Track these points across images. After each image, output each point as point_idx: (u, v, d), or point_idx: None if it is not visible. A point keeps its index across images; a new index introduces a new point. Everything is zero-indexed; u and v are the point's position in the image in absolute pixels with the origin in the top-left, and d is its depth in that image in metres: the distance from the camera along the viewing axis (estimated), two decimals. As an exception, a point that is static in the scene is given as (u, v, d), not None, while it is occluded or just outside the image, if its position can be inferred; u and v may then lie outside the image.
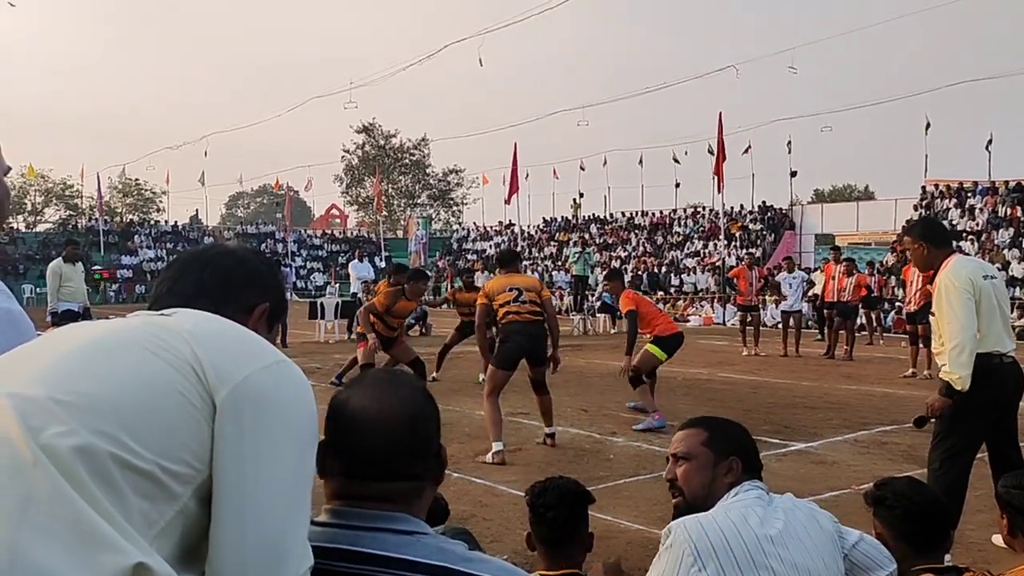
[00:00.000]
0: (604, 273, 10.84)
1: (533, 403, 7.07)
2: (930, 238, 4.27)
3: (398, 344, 8.94)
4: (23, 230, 47.00)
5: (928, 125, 31.75)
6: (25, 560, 1.02)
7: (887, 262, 26.26)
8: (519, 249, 34.92)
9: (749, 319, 14.89)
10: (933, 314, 4.28)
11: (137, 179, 59.64)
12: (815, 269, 19.94)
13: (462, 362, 12.20)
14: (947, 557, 2.50)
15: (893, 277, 24.71)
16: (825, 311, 15.04)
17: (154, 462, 1.13)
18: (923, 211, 26.97)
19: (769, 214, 33.64)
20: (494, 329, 7.27)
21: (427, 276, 9.39)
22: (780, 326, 15.32)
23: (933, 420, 4.22)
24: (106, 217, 44.96)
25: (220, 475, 1.17)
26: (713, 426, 2.22)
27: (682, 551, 1.90)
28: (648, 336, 8.52)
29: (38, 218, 57.03)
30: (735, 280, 15.47)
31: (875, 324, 18.11)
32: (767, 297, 16.01)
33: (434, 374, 10.91)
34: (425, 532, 1.36)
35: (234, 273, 1.46)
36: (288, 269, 35.41)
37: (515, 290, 6.75)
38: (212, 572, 1.16)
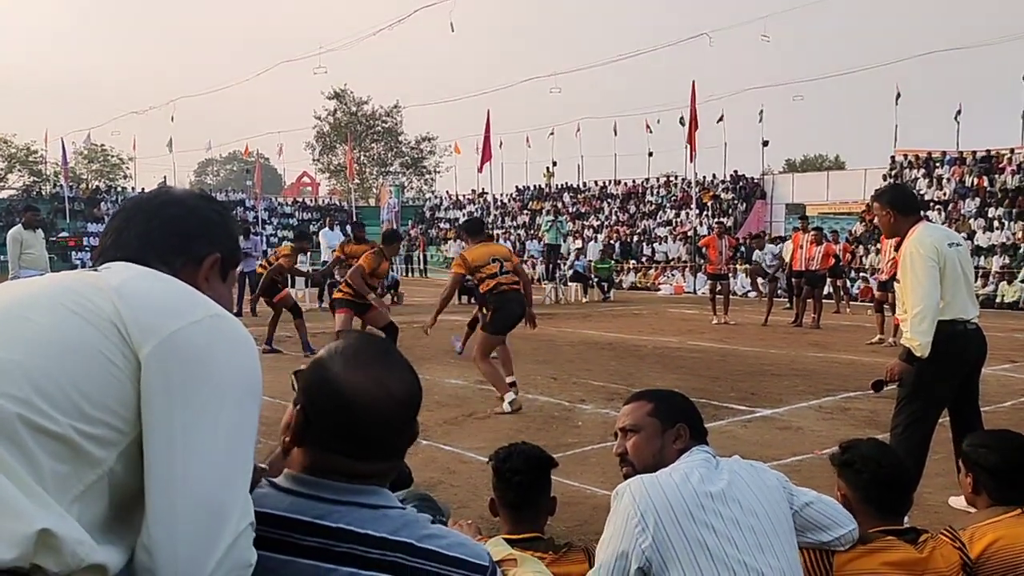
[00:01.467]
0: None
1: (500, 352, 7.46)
2: (898, 205, 4.29)
3: (372, 309, 8.94)
4: (-15, 197, 46.01)
5: (898, 95, 31.96)
6: None
7: (855, 231, 26.52)
8: (491, 218, 34.86)
9: (719, 288, 15.02)
10: (898, 281, 4.32)
11: (103, 145, 58.43)
12: (785, 238, 20.08)
13: (434, 331, 12.16)
14: (905, 519, 2.53)
15: (861, 246, 24.98)
16: (793, 280, 15.20)
17: (69, 425, 1.09)
18: (892, 181, 27.21)
19: (741, 183, 33.79)
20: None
21: (400, 236, 9.82)
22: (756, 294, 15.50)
23: (891, 385, 4.28)
24: (71, 184, 44.08)
25: (148, 436, 1.13)
26: (657, 397, 2.27)
27: (627, 512, 1.93)
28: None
29: (1, 184, 55.86)
30: (705, 249, 15.57)
31: (842, 293, 18.33)
32: (737, 266, 16.16)
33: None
34: (391, 505, 1.34)
35: (182, 223, 1.39)
36: (258, 237, 35.05)
37: (497, 261, 7.24)
38: (147, 534, 1.12)
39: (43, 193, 43.54)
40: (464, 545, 1.34)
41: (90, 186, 47.30)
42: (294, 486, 1.33)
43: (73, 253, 36.64)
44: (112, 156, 59.40)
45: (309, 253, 16.24)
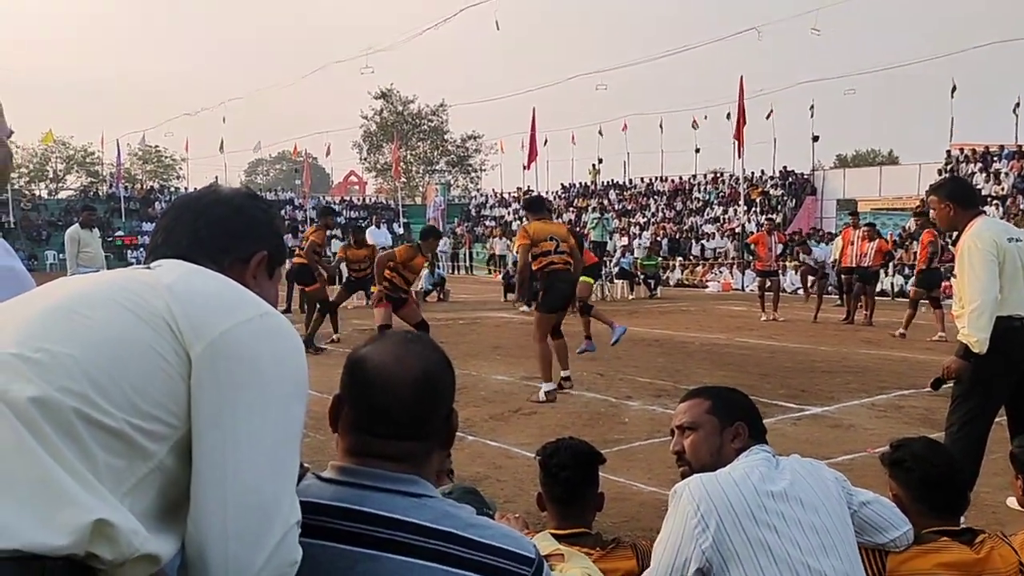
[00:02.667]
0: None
1: (553, 345, 7.42)
2: (957, 198, 4.19)
3: (407, 305, 9.00)
4: (45, 197, 47.26)
5: (954, 88, 31.14)
6: None
7: (909, 227, 25.95)
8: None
9: (768, 284, 14.82)
10: (955, 276, 4.22)
11: (157, 146, 59.70)
12: (836, 235, 19.73)
13: (480, 327, 12.22)
14: (961, 519, 2.48)
15: (915, 243, 24.43)
16: (843, 276, 14.92)
17: (124, 420, 1.11)
18: (947, 175, 26.57)
19: (790, 179, 33.26)
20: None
21: (439, 233, 9.94)
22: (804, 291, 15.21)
23: (949, 382, 4.18)
24: (126, 184, 45.13)
25: (198, 434, 1.15)
26: (715, 394, 2.22)
27: (686, 512, 1.90)
28: None
29: (60, 185, 57.37)
30: (754, 246, 15.35)
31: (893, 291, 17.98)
32: (786, 263, 15.92)
33: (335, 336, 11.08)
34: (432, 495, 1.34)
35: (229, 222, 1.41)
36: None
37: (554, 240, 7.32)
38: (194, 529, 1.14)
39: (99, 193, 44.61)
40: (510, 536, 1.33)
41: (144, 186, 48.37)
42: (336, 476, 1.35)
43: (128, 252, 37.50)
44: (166, 157, 60.70)
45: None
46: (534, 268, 7.38)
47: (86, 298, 1.20)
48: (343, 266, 11.79)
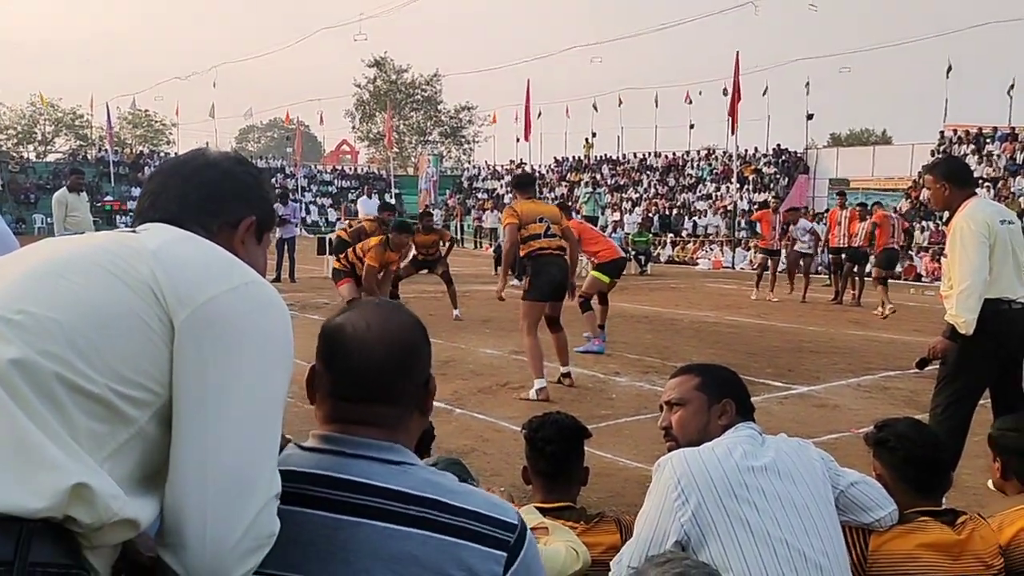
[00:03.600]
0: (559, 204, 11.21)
1: (545, 344, 6.90)
2: (952, 178, 4.18)
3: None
4: (33, 160, 46.84)
5: (949, 68, 31.09)
6: None
7: (901, 208, 26.01)
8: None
9: (768, 263, 14.77)
10: (945, 256, 4.22)
11: (147, 110, 59.26)
12: (826, 212, 19.75)
13: (470, 300, 12.21)
14: (943, 500, 2.49)
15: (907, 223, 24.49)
16: (832, 256, 14.92)
17: (105, 385, 1.10)
18: (940, 156, 26.59)
19: (783, 157, 33.26)
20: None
21: (410, 229, 9.47)
22: (787, 268, 15.11)
23: (934, 363, 4.20)
24: (116, 148, 44.74)
25: (180, 401, 1.14)
26: (704, 371, 2.23)
27: (667, 486, 1.91)
28: (591, 262, 9.22)
29: (48, 148, 56.84)
30: (758, 223, 15.23)
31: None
32: (786, 242, 15.85)
33: None
34: (413, 463, 1.33)
35: (218, 186, 1.39)
36: (297, 204, 35.41)
37: (544, 221, 6.72)
38: (171, 499, 1.14)
39: (88, 157, 44.23)
40: (492, 502, 1.33)
41: (134, 151, 47.97)
42: (316, 444, 1.35)
43: (117, 217, 37.25)
44: (156, 122, 60.21)
45: (347, 221, 16.37)
46: (522, 253, 6.81)
47: (71, 261, 1.18)
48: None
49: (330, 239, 17.87)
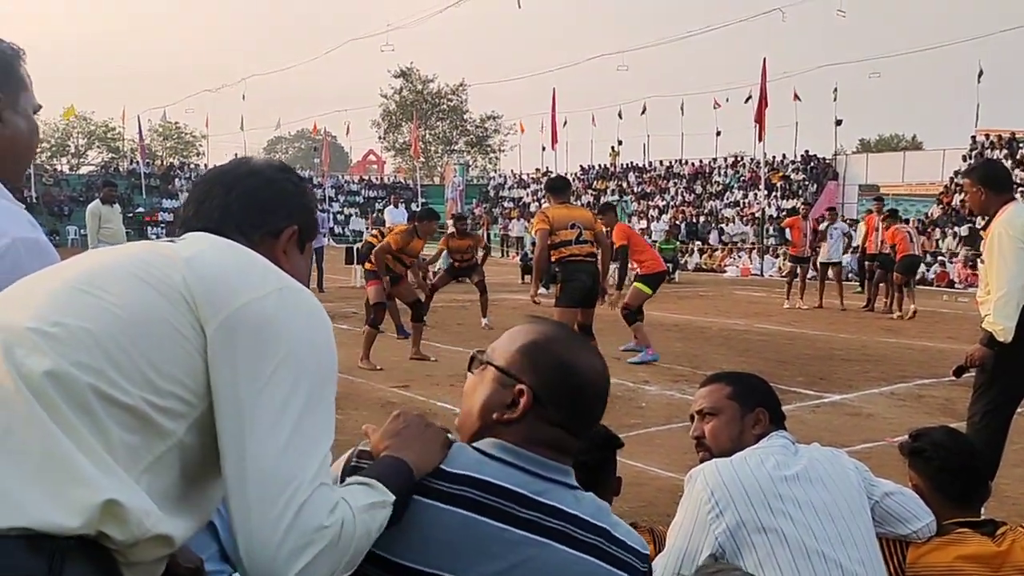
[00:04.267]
0: (600, 206, 11.08)
1: None
2: (990, 182, 4.11)
3: (401, 283, 8.85)
4: (67, 172, 47.64)
5: (981, 73, 30.73)
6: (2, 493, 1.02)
7: (932, 214, 25.69)
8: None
9: (798, 271, 14.58)
10: (983, 261, 4.16)
11: (177, 123, 60.11)
12: (857, 220, 19.55)
13: (497, 309, 12.22)
14: (982, 510, 2.45)
15: (938, 229, 24.19)
16: (866, 263, 14.73)
17: (139, 396, 1.10)
18: (972, 162, 26.22)
19: (812, 164, 32.99)
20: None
21: (437, 215, 9.35)
22: (817, 278, 14.91)
23: (972, 371, 4.13)
24: (147, 160, 45.38)
25: (218, 410, 1.14)
26: (736, 379, 2.20)
27: (700, 498, 1.89)
28: (634, 272, 9.00)
29: (81, 160, 57.79)
30: (788, 230, 15.05)
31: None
32: (818, 248, 15.65)
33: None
34: (577, 487, 1.38)
35: (261, 195, 1.39)
36: (325, 215, 35.72)
37: (576, 227, 6.71)
38: (225, 506, 1.15)
39: (120, 169, 44.91)
40: (635, 534, 1.39)
41: (165, 163, 48.64)
42: (505, 456, 1.34)
43: (149, 228, 37.77)
44: (186, 134, 61.01)
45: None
46: (553, 258, 6.82)
47: (105, 272, 1.18)
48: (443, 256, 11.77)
49: (357, 248, 18.03)
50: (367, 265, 9.12)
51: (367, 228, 28.68)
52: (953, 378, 4.35)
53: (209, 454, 1.16)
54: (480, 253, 11.67)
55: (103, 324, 1.12)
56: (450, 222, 14.03)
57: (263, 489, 1.11)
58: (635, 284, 8.78)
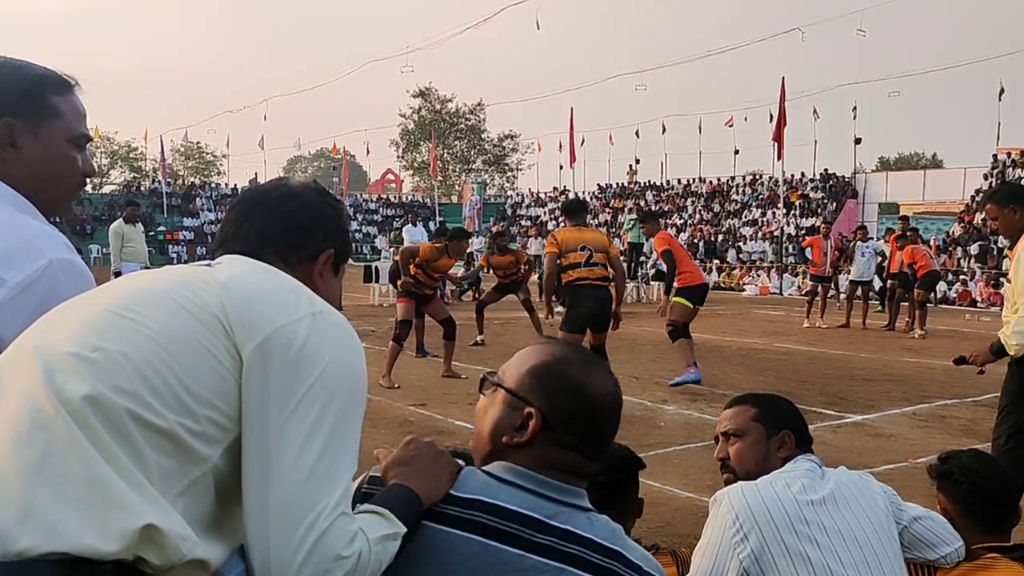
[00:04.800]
0: (641, 214, 10.89)
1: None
2: (1020, 199, 4.08)
3: (433, 302, 8.85)
4: (89, 191, 48.09)
5: (1002, 91, 30.52)
6: (39, 515, 1.02)
7: (953, 233, 25.49)
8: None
9: (819, 290, 14.46)
10: (1009, 280, 4.13)
11: (198, 142, 60.72)
12: (878, 239, 19.42)
13: (516, 327, 12.22)
14: (1011, 535, 2.41)
15: (959, 248, 23.99)
16: (888, 282, 14.61)
17: (176, 421, 1.11)
18: (994, 180, 26.01)
19: (831, 182, 32.85)
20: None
21: (468, 234, 9.22)
22: (846, 296, 14.77)
23: (970, 363, 4.17)
24: (169, 180, 45.88)
25: (247, 434, 1.14)
26: (761, 401, 2.18)
27: (725, 521, 1.87)
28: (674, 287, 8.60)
29: (104, 180, 58.48)
30: (809, 250, 14.93)
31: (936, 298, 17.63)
32: (841, 267, 15.52)
33: (479, 337, 10.92)
34: (591, 509, 1.36)
35: (299, 218, 1.40)
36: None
37: (587, 250, 6.55)
38: (245, 529, 1.14)
39: (142, 189, 45.43)
40: (650, 558, 1.38)
41: (186, 182, 49.14)
42: (517, 480, 1.33)
43: (170, 247, 38.15)
44: (207, 153, 61.66)
45: (392, 249, 16.49)
46: (563, 280, 6.69)
47: (143, 297, 1.20)
48: (481, 273, 11.82)
49: (376, 267, 18.10)
50: (400, 282, 9.14)
51: (387, 247, 28.77)
52: (957, 366, 4.32)
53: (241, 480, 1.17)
54: (523, 268, 11.62)
55: (140, 349, 1.13)
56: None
57: (284, 513, 1.11)
58: (674, 299, 8.37)
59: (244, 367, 1.15)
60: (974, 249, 23.55)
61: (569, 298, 6.61)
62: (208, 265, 1.29)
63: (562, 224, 7.27)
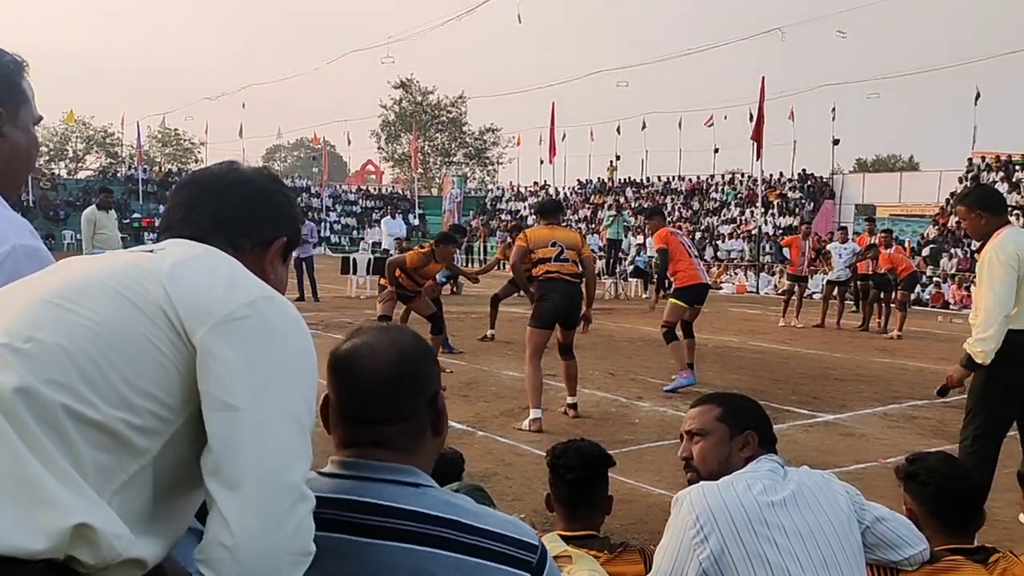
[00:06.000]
0: (647, 211, 10.87)
1: (560, 366, 6.91)
2: (987, 206, 4.13)
3: (418, 299, 8.84)
4: (64, 176, 47.52)
5: (978, 95, 30.86)
6: None
7: (928, 235, 25.76)
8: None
9: (796, 289, 14.59)
10: (975, 284, 4.18)
11: (176, 129, 60.10)
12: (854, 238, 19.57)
13: (500, 322, 12.19)
14: (975, 536, 2.44)
15: (931, 250, 24.24)
16: (860, 282, 14.76)
17: (113, 415, 1.08)
18: (968, 183, 26.31)
19: (809, 182, 33.08)
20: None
21: (455, 240, 9.12)
22: (823, 296, 14.89)
23: (954, 389, 4.21)
24: (145, 166, 45.35)
25: (209, 418, 1.12)
26: (726, 401, 2.18)
27: (685, 522, 1.88)
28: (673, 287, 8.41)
29: (79, 165, 57.74)
30: (787, 249, 15.00)
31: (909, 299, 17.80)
32: (816, 267, 15.62)
33: (490, 331, 10.83)
34: (431, 484, 1.34)
35: (254, 205, 1.38)
36: (314, 224, 35.72)
37: (557, 246, 6.49)
38: (218, 514, 1.09)
39: (118, 175, 44.86)
40: (511, 522, 1.34)
41: (163, 169, 48.57)
42: (335, 469, 1.36)
43: (146, 234, 37.68)
44: (185, 140, 61.02)
45: (371, 241, 16.40)
46: (532, 275, 6.63)
47: (83, 285, 1.17)
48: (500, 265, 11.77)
49: (354, 258, 17.99)
50: (382, 281, 9.13)
51: (363, 240, 28.61)
52: (941, 399, 4.35)
53: (183, 471, 1.14)
54: None
55: (78, 340, 1.10)
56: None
57: (266, 494, 1.09)
58: (669, 300, 8.17)
59: (198, 353, 1.13)
60: (926, 251, 23.87)
61: (537, 291, 6.54)
62: (151, 251, 1.26)
63: (536, 223, 7.17)
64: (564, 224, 8.16)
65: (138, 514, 1.11)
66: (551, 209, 7.00)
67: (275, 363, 1.15)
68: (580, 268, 6.52)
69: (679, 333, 8.09)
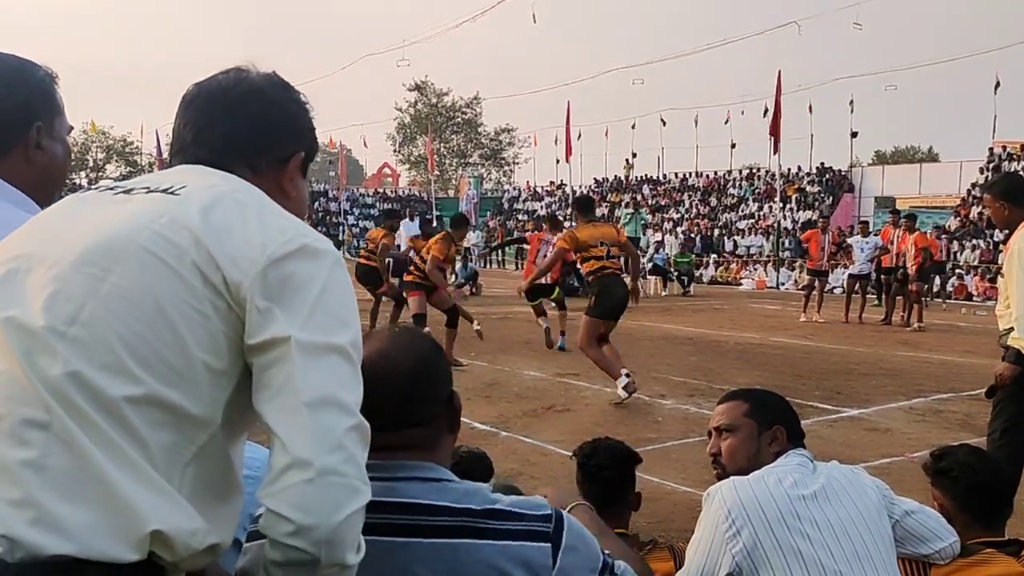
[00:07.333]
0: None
1: (583, 364, 7.08)
2: (1011, 196, 4.10)
3: (437, 293, 9.08)
4: (86, 185, 47.76)
5: (998, 84, 30.53)
6: (46, 517, 1.01)
7: (950, 226, 25.54)
8: (570, 210, 34.69)
9: (816, 284, 14.47)
10: (1003, 275, 4.14)
11: (195, 136, 60.44)
12: (874, 233, 19.45)
13: (512, 322, 12.23)
14: (1005, 528, 2.43)
15: (956, 242, 24.04)
16: (883, 276, 14.65)
17: (168, 392, 1.07)
18: (989, 174, 26.06)
19: (827, 176, 32.86)
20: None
21: (468, 221, 9.94)
22: (844, 291, 14.79)
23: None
24: (164, 174, 45.69)
25: (265, 354, 1.09)
26: (753, 397, 2.20)
27: (717, 517, 1.89)
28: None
29: (100, 174, 58.27)
30: (807, 244, 14.98)
31: (933, 290, 17.69)
32: (837, 261, 15.58)
33: (543, 323, 10.62)
34: (450, 479, 1.37)
35: (267, 119, 1.30)
36: (342, 227, 35.86)
37: (604, 246, 7.10)
38: (277, 436, 1.07)
39: (138, 183, 45.12)
40: (522, 500, 1.37)
41: (182, 176, 48.84)
42: None
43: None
44: (203, 147, 61.34)
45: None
46: (584, 271, 7.17)
47: (112, 245, 1.11)
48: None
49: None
50: (407, 276, 9.41)
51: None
52: (990, 399, 4.25)
53: (239, 436, 1.16)
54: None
55: (122, 316, 1.07)
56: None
57: (323, 411, 1.07)
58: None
59: (247, 303, 1.09)
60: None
61: (598, 286, 7.09)
62: (173, 192, 1.18)
63: (575, 220, 7.81)
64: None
65: (212, 484, 1.11)
66: (590, 204, 7.65)
67: (321, 304, 1.12)
68: (621, 261, 7.22)
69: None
